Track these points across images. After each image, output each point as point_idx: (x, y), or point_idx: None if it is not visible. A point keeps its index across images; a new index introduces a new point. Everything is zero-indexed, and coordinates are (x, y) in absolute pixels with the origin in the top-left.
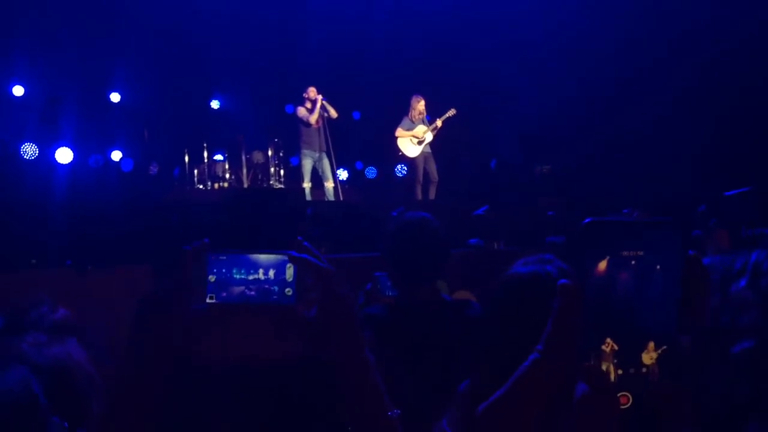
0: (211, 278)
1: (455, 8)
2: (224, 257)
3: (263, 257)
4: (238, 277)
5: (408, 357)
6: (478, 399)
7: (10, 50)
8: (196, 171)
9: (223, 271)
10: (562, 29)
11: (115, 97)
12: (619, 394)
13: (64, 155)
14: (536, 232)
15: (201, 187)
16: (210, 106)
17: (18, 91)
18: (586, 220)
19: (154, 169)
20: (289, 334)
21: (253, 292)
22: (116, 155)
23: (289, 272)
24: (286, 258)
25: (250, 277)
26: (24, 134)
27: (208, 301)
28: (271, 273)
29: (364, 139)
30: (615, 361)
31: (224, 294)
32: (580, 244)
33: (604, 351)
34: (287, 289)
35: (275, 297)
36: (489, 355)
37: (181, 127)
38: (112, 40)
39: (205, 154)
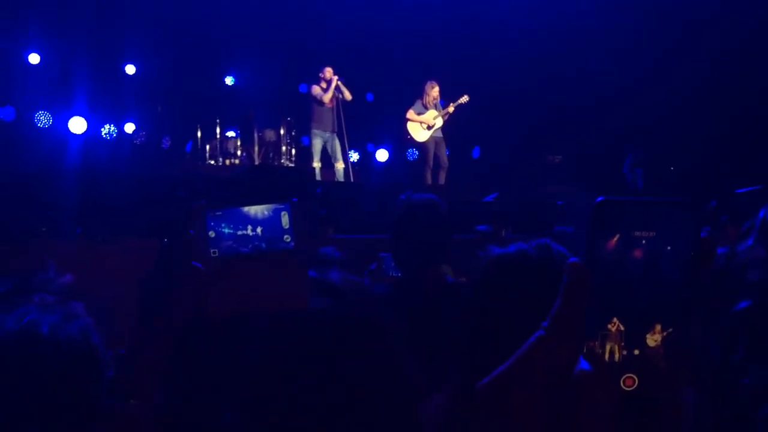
0: (211, 234)
1: None
2: (220, 212)
3: (253, 211)
4: (227, 231)
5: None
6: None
7: (27, 18)
8: (208, 146)
9: (220, 225)
10: (576, 19)
11: (130, 69)
12: (624, 376)
13: (78, 125)
14: (545, 221)
15: (212, 162)
16: (224, 82)
17: (34, 59)
18: (599, 199)
19: (166, 142)
20: (293, 279)
21: (244, 248)
22: (129, 127)
23: (285, 219)
24: (278, 207)
25: (239, 233)
26: (39, 102)
27: (212, 255)
28: (259, 230)
29: (376, 121)
30: (621, 341)
31: (224, 247)
32: (592, 223)
33: (610, 331)
34: (286, 236)
35: (264, 250)
36: (475, 335)
37: (195, 102)
38: (129, 11)
39: (218, 130)
